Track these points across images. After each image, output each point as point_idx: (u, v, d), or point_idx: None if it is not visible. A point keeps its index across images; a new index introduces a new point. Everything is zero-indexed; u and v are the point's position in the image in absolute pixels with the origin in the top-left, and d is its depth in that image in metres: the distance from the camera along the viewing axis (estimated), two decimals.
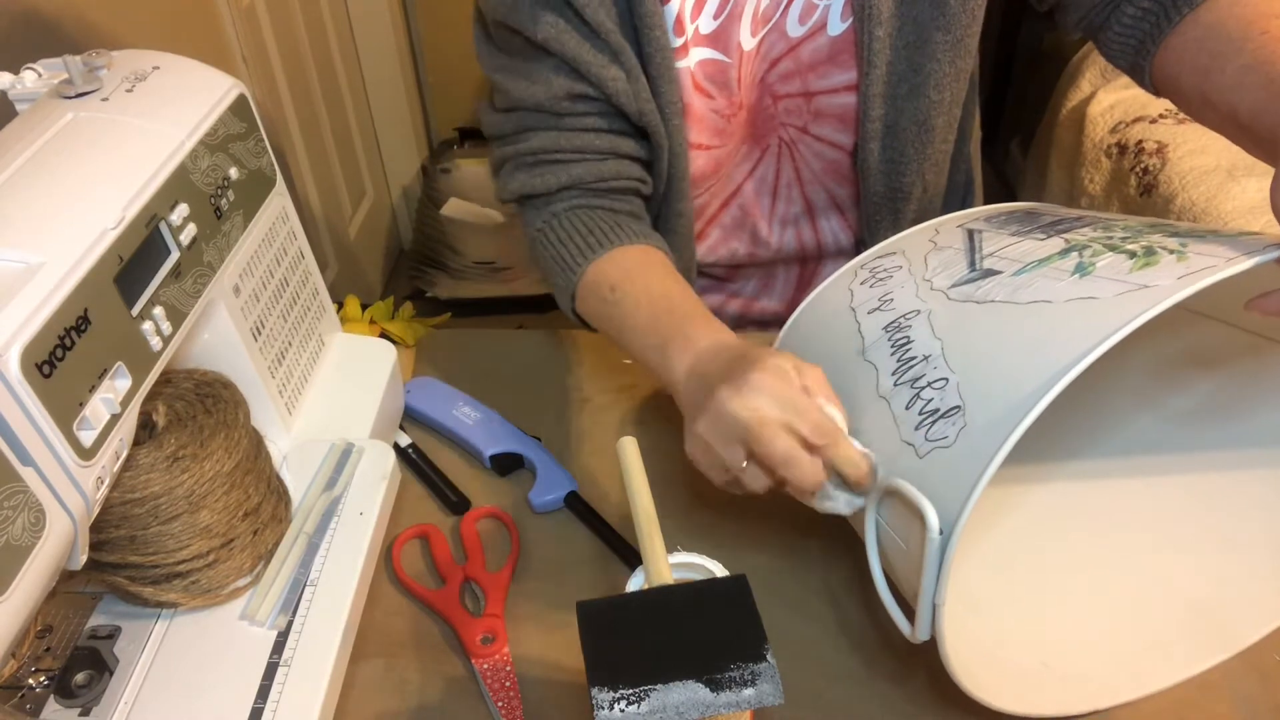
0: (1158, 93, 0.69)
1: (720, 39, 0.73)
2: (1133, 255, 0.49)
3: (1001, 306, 0.51)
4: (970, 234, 0.59)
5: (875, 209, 0.82)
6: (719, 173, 0.81)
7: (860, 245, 0.89)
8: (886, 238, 0.83)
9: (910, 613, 0.52)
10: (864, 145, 0.77)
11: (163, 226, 0.53)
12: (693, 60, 0.73)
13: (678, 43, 0.72)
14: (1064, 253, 0.52)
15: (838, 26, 0.73)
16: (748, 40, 0.74)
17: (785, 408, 0.52)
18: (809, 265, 0.91)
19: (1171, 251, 0.48)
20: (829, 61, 0.75)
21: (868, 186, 0.80)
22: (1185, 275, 0.45)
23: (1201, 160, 1.54)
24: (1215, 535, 0.61)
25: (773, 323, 0.94)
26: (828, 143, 0.80)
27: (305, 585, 0.60)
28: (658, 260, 0.71)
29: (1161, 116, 1.70)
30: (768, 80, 0.77)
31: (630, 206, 0.77)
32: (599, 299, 0.70)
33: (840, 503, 0.54)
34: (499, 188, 0.78)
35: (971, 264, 0.56)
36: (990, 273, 0.54)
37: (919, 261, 0.60)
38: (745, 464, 0.54)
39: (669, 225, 0.81)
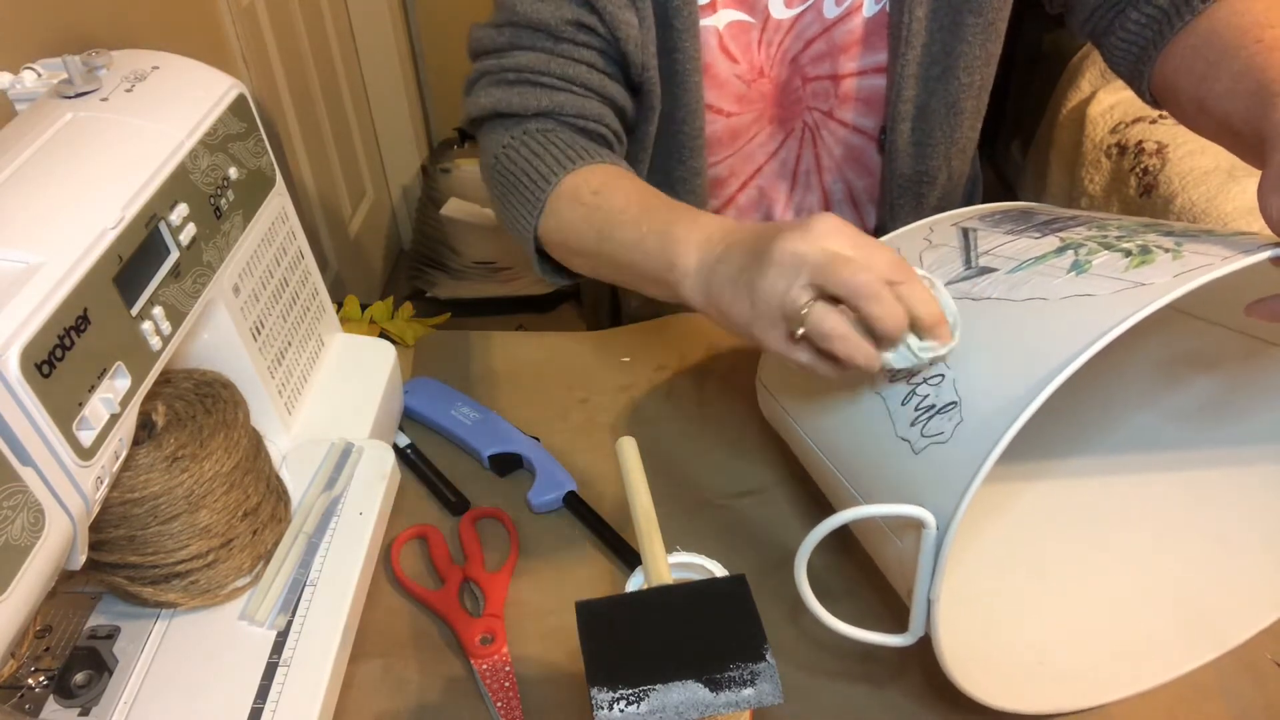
0: (1155, 101, 0.70)
1: (748, 0, 0.74)
2: (1128, 253, 0.49)
3: (998, 304, 0.51)
4: (965, 232, 0.59)
5: (900, 193, 0.83)
6: (736, 143, 0.82)
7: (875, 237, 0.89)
8: (908, 224, 0.84)
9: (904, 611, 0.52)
10: (893, 126, 0.78)
11: (162, 226, 0.53)
12: (721, 20, 0.74)
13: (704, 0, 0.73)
14: (1059, 251, 0.52)
15: (872, 8, 0.74)
16: (779, 9, 0.75)
17: (858, 247, 0.48)
18: None
19: (1167, 250, 0.48)
20: (860, 43, 0.76)
21: (894, 169, 0.81)
22: (1181, 273, 0.45)
23: (1201, 161, 1.54)
24: (1209, 533, 0.61)
25: None
26: (851, 127, 0.81)
27: (305, 585, 0.60)
28: (636, 176, 0.68)
29: (1162, 117, 1.69)
30: (800, 60, 0.77)
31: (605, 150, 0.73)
32: (578, 203, 0.66)
33: (902, 355, 0.49)
34: (467, 104, 0.75)
35: (967, 261, 0.56)
36: (986, 270, 0.54)
37: (914, 259, 0.60)
38: (809, 307, 0.48)
39: (687, 186, 0.81)
